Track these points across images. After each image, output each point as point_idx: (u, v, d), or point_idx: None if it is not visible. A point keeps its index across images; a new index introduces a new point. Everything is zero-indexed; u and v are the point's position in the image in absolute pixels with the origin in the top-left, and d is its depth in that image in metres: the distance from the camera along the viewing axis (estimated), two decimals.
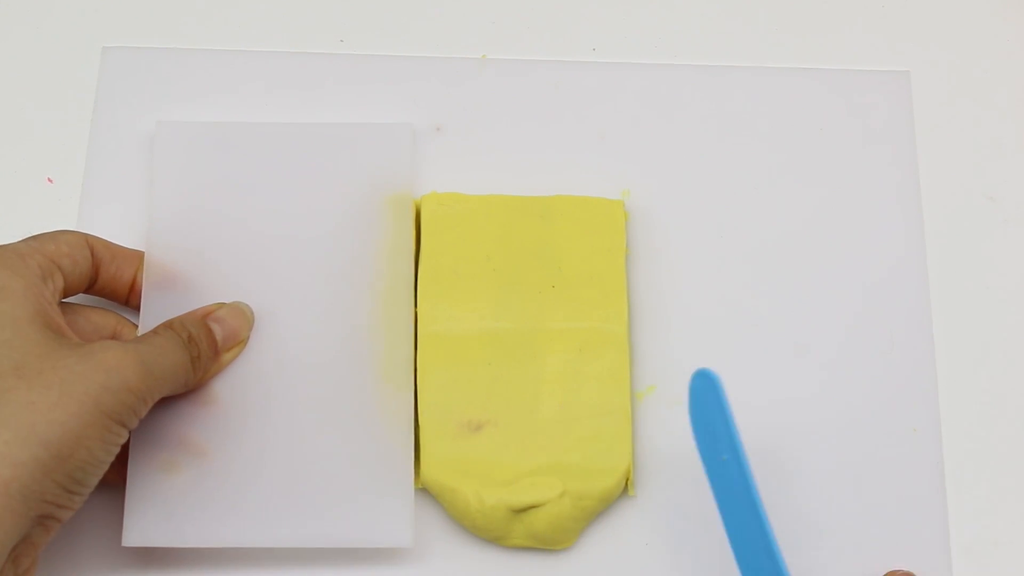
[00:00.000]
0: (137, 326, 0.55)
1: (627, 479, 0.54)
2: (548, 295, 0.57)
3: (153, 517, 0.52)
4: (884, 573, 0.50)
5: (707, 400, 0.48)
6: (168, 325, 0.52)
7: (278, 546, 0.53)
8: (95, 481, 0.47)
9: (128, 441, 0.51)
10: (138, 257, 0.56)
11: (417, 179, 0.60)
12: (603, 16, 0.65)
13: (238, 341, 0.55)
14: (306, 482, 0.53)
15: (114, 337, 0.54)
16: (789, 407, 0.57)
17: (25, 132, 0.61)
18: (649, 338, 0.58)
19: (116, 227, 0.58)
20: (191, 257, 0.57)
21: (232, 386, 0.54)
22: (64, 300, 0.52)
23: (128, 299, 0.56)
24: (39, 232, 0.52)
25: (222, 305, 0.55)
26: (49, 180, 0.60)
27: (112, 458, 0.48)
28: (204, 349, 0.53)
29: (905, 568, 0.52)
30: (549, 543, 0.54)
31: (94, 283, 0.54)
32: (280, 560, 0.54)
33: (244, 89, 0.62)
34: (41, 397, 0.45)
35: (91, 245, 0.53)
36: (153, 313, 0.55)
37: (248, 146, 0.59)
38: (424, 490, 0.55)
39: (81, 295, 0.55)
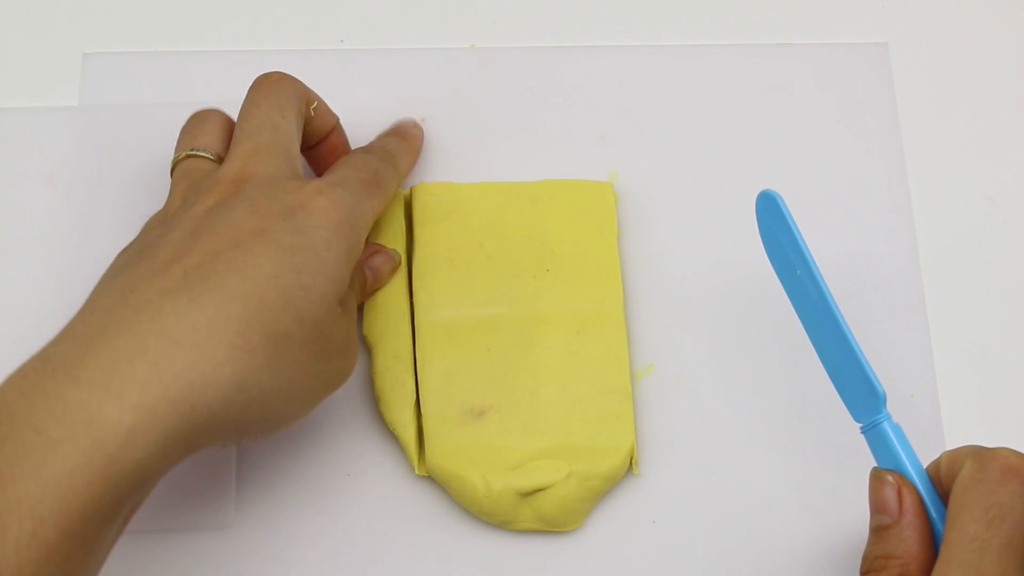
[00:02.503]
0: None
1: (631, 458, 0.55)
2: (543, 279, 0.57)
3: None
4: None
5: (773, 220, 0.50)
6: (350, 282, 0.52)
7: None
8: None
9: None
10: (334, 118, 0.57)
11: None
12: (586, 1, 0.65)
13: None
14: None
15: None
16: (785, 378, 0.57)
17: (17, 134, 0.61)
18: (645, 317, 0.59)
19: (110, 225, 0.58)
20: None
21: None
22: None
23: (303, 151, 0.56)
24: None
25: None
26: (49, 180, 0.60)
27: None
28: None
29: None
30: (557, 525, 0.54)
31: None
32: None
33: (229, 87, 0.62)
34: (312, 363, 0.47)
35: (309, 96, 0.55)
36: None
37: None
38: (429, 478, 0.55)
39: None
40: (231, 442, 0.47)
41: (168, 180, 0.54)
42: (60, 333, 0.45)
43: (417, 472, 0.55)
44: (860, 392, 0.48)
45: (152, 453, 0.42)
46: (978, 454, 0.44)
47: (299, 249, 0.47)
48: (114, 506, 0.42)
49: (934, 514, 0.45)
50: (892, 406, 0.49)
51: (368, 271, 0.55)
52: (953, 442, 0.57)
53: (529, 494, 0.53)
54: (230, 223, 0.47)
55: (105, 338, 0.43)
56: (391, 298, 0.56)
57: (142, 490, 0.44)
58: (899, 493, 0.45)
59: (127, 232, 0.59)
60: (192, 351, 0.43)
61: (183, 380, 0.43)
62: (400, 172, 0.57)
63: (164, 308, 0.44)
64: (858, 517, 0.48)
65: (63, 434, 0.41)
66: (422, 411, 0.55)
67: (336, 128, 0.57)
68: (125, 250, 0.51)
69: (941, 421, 0.57)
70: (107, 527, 0.42)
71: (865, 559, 0.46)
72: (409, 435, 0.54)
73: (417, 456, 0.55)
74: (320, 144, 0.57)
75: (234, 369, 0.44)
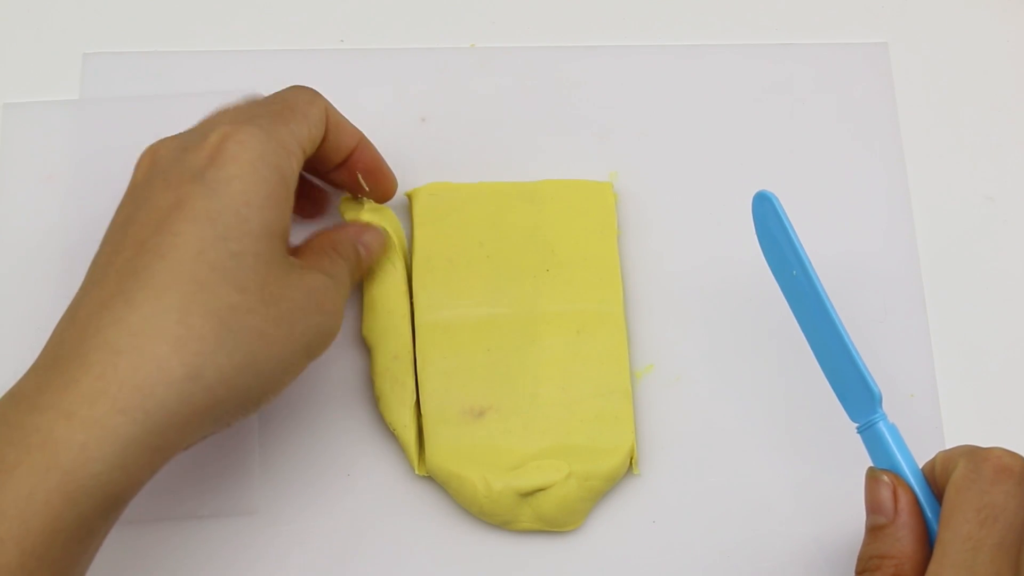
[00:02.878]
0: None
1: (631, 458, 0.55)
2: (543, 279, 0.57)
3: None
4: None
5: (769, 221, 0.50)
6: (338, 252, 0.51)
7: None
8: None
9: None
10: (356, 134, 0.54)
11: (401, 168, 0.60)
12: (586, 1, 0.65)
13: (369, 267, 0.55)
14: None
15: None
16: (784, 378, 0.57)
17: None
18: (645, 317, 0.59)
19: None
20: None
21: None
22: None
23: (328, 173, 0.54)
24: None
25: (368, 227, 0.54)
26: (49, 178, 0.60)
27: None
28: (353, 276, 0.52)
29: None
30: (557, 525, 0.54)
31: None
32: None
33: (229, 87, 0.62)
34: (271, 329, 0.45)
35: (328, 115, 0.52)
36: None
37: None
38: (429, 478, 0.55)
39: None
40: (217, 428, 0.46)
41: None
42: (28, 369, 0.45)
43: (417, 472, 0.55)
44: (856, 392, 0.48)
45: (112, 466, 0.42)
46: (972, 454, 0.44)
47: (218, 213, 0.45)
48: (80, 523, 0.42)
49: (929, 514, 0.46)
50: (892, 406, 0.49)
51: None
52: (952, 442, 0.57)
53: (529, 494, 0.53)
54: (150, 205, 0.46)
55: (58, 364, 0.43)
56: (391, 298, 0.56)
57: (116, 505, 0.43)
58: (895, 493, 0.46)
59: None
60: (133, 355, 0.42)
61: (129, 387, 0.42)
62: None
63: (104, 319, 0.43)
64: (856, 516, 0.47)
65: (20, 458, 0.41)
66: (422, 411, 0.55)
67: (361, 144, 0.55)
68: None
69: (941, 421, 0.57)
70: (76, 545, 0.42)
71: (860, 558, 0.46)
72: (409, 435, 0.54)
73: (417, 456, 0.55)
74: (345, 163, 0.54)
75: (183, 361, 0.43)
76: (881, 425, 0.47)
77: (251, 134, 0.47)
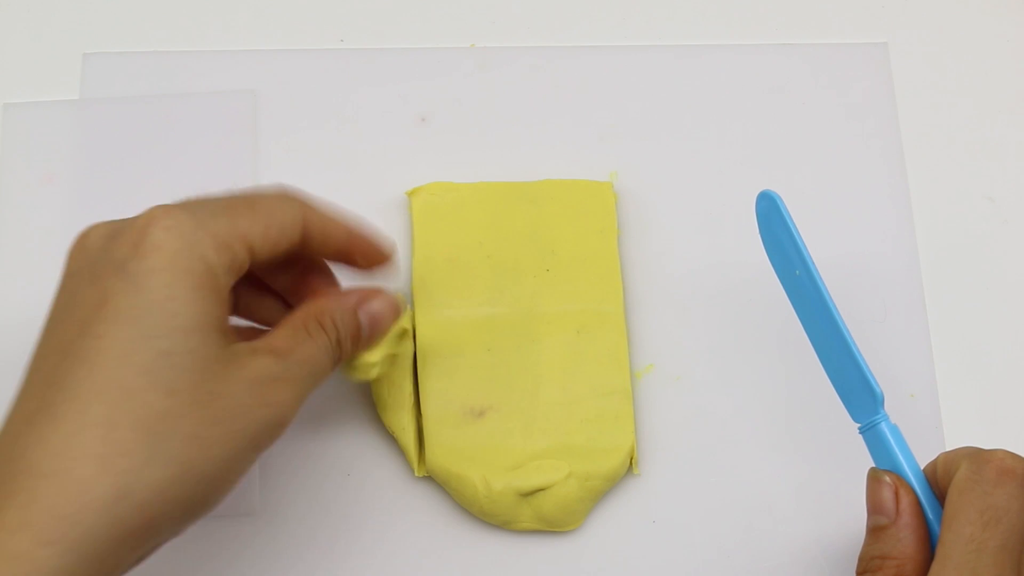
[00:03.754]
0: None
1: (631, 458, 0.55)
2: (543, 279, 0.57)
3: None
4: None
5: (772, 220, 0.50)
6: (320, 323, 0.47)
7: None
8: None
9: None
10: (346, 233, 0.49)
11: (401, 168, 0.60)
12: (586, 1, 0.65)
13: (378, 338, 0.50)
14: None
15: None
16: (784, 378, 0.57)
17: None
18: (645, 317, 0.59)
19: None
20: None
21: None
22: None
23: (317, 261, 0.51)
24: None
25: (378, 293, 0.50)
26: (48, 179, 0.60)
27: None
28: (345, 349, 0.48)
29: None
30: (557, 525, 0.54)
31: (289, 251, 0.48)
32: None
33: (229, 87, 0.62)
34: (206, 431, 0.42)
35: (304, 219, 0.47)
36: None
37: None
38: (429, 478, 0.55)
39: None
40: (165, 539, 0.43)
41: (167, 180, 0.53)
42: None
43: (416, 475, 0.55)
44: (858, 393, 0.48)
45: None
46: (974, 456, 0.44)
47: (143, 310, 0.41)
48: None
49: (931, 515, 0.46)
50: (892, 406, 0.49)
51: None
52: (953, 442, 0.57)
53: (529, 494, 0.53)
54: (74, 303, 0.43)
55: None
56: None
57: None
58: (896, 494, 0.46)
59: None
60: (56, 479, 0.39)
61: (53, 516, 0.39)
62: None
63: (29, 437, 0.40)
64: (857, 517, 0.47)
65: None
66: (422, 411, 0.55)
67: (352, 239, 0.49)
68: None
69: (941, 421, 0.57)
70: None
71: (861, 559, 0.46)
72: (408, 438, 0.54)
73: (417, 459, 0.55)
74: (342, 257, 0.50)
75: (110, 481, 0.39)
76: (883, 426, 0.47)
77: (178, 220, 0.43)
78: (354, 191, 0.60)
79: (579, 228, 0.58)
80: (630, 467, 0.55)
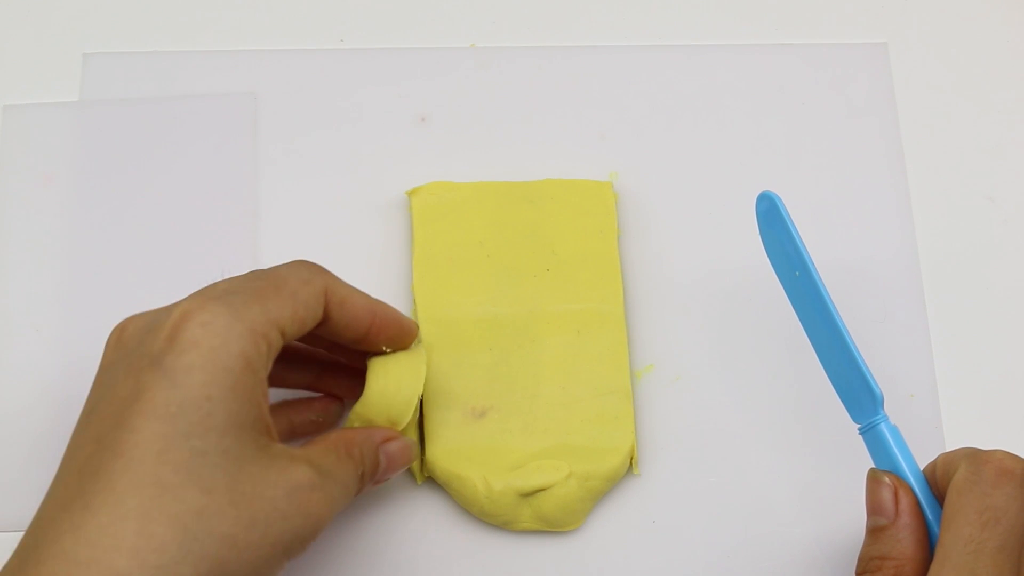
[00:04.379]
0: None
1: (631, 458, 0.55)
2: (543, 279, 0.57)
3: None
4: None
5: (772, 221, 0.50)
6: (349, 452, 0.47)
7: None
8: None
9: None
10: (369, 311, 0.49)
11: (401, 168, 0.60)
12: (586, 1, 0.65)
13: (390, 477, 0.51)
14: None
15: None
16: (784, 378, 0.57)
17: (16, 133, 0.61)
18: (645, 317, 0.59)
19: (110, 224, 0.58)
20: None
21: None
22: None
23: (348, 345, 0.50)
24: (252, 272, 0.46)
25: (398, 436, 0.50)
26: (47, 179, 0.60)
27: None
28: (365, 481, 0.48)
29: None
30: (557, 525, 0.54)
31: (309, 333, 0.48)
32: None
33: (229, 87, 0.62)
34: (242, 534, 0.41)
35: (327, 295, 0.47)
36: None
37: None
38: (430, 478, 0.55)
39: None
40: None
41: (167, 181, 0.53)
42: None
43: (418, 483, 0.55)
44: (858, 393, 0.48)
45: None
46: (973, 456, 0.44)
47: (179, 407, 0.41)
48: None
49: (930, 516, 0.46)
50: (892, 407, 0.49)
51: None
52: (953, 443, 0.57)
53: (530, 494, 0.53)
54: (111, 394, 0.43)
55: (23, 572, 0.40)
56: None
57: None
58: (895, 494, 0.46)
59: (126, 232, 0.59)
60: (90, 568, 0.39)
61: None
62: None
63: (63, 524, 0.40)
64: (857, 517, 0.48)
65: None
66: (424, 412, 0.55)
67: (377, 319, 0.49)
68: None
69: (941, 421, 0.57)
70: None
71: (861, 560, 0.46)
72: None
73: (419, 468, 0.54)
74: (363, 338, 0.50)
75: (143, 574, 0.39)
76: (883, 426, 0.47)
77: (216, 314, 0.43)
78: (354, 191, 0.60)
79: (579, 228, 0.58)
80: (630, 467, 0.55)
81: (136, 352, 0.43)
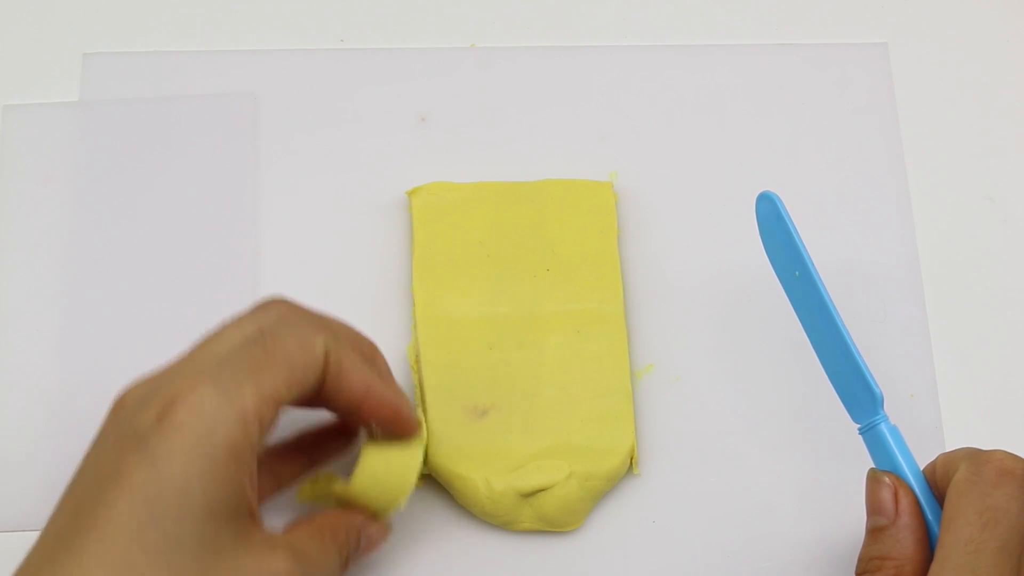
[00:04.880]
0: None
1: (631, 458, 0.55)
2: (543, 278, 0.57)
3: None
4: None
5: (772, 221, 0.50)
6: (335, 537, 0.47)
7: None
8: None
9: None
10: (364, 385, 0.47)
11: (401, 168, 0.60)
12: (586, 1, 0.65)
13: (363, 558, 0.50)
14: None
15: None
16: (785, 378, 0.57)
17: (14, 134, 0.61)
18: (645, 317, 0.59)
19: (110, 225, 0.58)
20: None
21: None
22: None
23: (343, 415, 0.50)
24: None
25: (376, 522, 0.50)
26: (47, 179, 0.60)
27: None
28: (345, 565, 0.48)
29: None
30: (557, 525, 0.54)
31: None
32: None
33: (229, 87, 0.62)
34: None
35: (327, 358, 0.46)
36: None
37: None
38: (430, 477, 0.55)
39: None
40: None
41: (167, 181, 0.53)
42: None
43: (417, 486, 0.54)
44: (858, 393, 0.48)
45: None
46: (973, 457, 0.44)
47: (157, 491, 0.40)
48: None
49: (930, 516, 0.46)
50: (892, 407, 0.49)
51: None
52: (953, 442, 0.57)
53: (530, 494, 0.53)
54: (96, 465, 0.43)
55: None
56: None
57: None
58: (895, 494, 0.46)
59: (126, 232, 0.59)
60: None
61: None
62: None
63: None
64: (857, 517, 0.48)
65: None
66: (425, 411, 0.55)
67: (371, 395, 0.48)
68: None
69: (941, 421, 0.57)
70: None
71: (861, 560, 0.46)
72: None
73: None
74: (356, 410, 0.48)
75: None
76: (883, 426, 0.47)
77: (205, 397, 0.42)
78: (354, 191, 0.60)
79: (579, 228, 0.58)
80: (630, 467, 0.55)
81: (126, 426, 0.43)
